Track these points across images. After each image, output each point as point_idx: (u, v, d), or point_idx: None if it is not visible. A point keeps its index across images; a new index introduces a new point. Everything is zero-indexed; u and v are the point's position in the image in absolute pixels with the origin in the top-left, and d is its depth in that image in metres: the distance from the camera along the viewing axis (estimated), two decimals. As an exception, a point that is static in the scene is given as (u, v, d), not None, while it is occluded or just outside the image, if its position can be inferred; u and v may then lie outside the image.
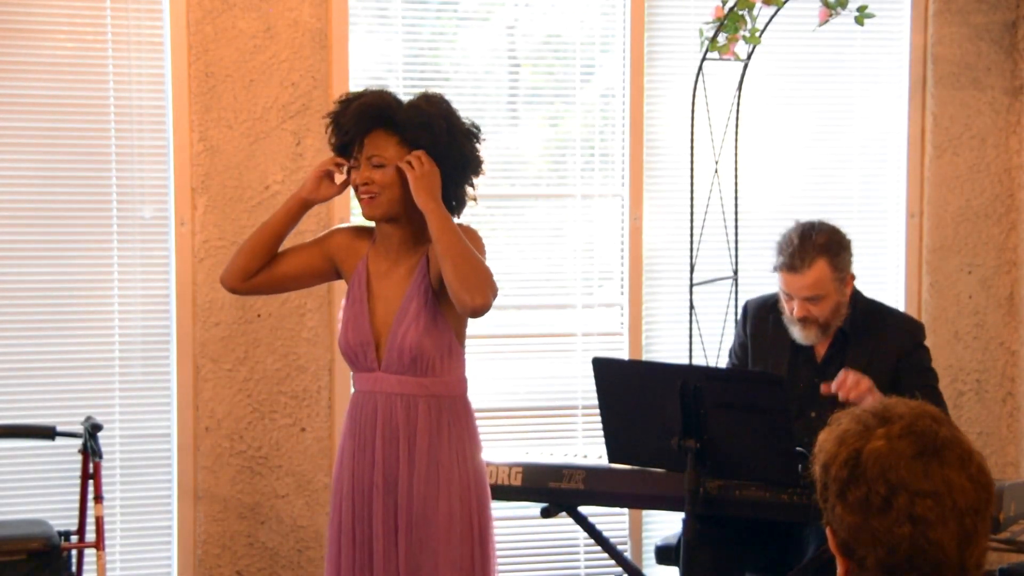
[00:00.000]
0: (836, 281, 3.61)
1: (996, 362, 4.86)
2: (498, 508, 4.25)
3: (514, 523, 4.53)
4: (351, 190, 3.16)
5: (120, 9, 4.19)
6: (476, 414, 3.21)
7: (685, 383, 3.24)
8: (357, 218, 3.87)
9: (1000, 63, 4.80)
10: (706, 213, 4.45)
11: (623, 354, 4.61)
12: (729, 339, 4.16)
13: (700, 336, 4.38)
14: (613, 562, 4.01)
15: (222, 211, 4.26)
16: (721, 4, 4.22)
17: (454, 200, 3.11)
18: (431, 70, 4.54)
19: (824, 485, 1.68)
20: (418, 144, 3.04)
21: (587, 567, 4.62)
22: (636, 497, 3.69)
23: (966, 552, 1.61)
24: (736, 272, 4.48)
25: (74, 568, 3.87)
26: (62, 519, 4.00)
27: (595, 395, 3.47)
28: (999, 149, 4.82)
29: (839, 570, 1.68)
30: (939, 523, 1.59)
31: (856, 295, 3.73)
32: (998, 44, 4.80)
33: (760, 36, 4.26)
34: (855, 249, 3.71)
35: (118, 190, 4.24)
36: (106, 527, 3.88)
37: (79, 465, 3.91)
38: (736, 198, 4.48)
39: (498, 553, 3.21)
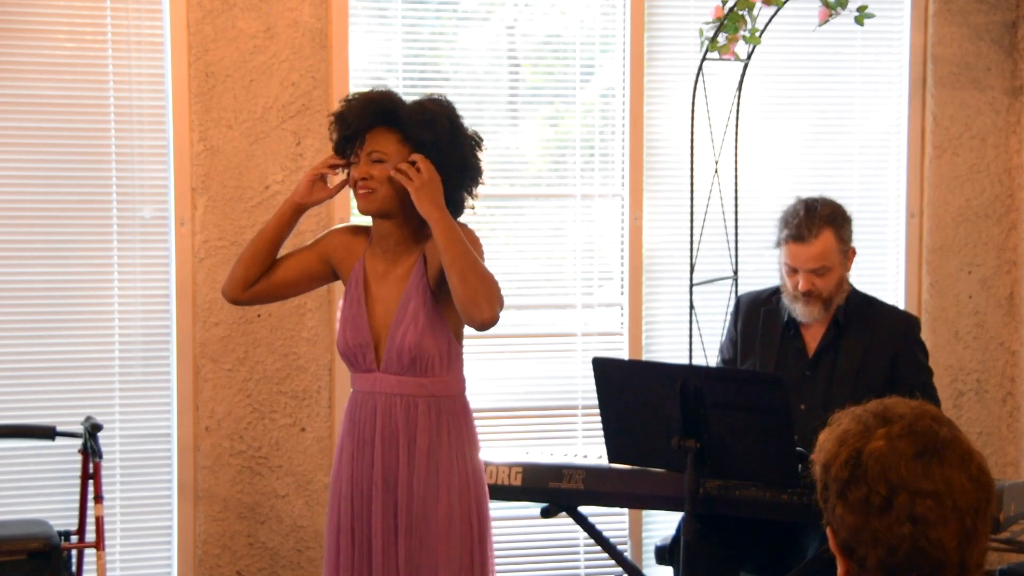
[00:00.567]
0: (840, 253, 3.66)
1: (996, 362, 4.86)
2: (498, 508, 4.25)
3: (514, 523, 4.53)
4: (350, 189, 3.16)
5: (120, 9, 4.19)
6: (476, 414, 3.21)
7: (685, 383, 3.24)
8: (357, 218, 3.87)
9: (1000, 63, 4.80)
10: (706, 213, 4.45)
11: (623, 354, 4.61)
12: (729, 339, 4.17)
13: (700, 336, 4.38)
14: (613, 562, 4.01)
15: (222, 211, 4.26)
16: (721, 4, 4.22)
17: (451, 203, 3.10)
18: (431, 70, 4.54)
19: (825, 485, 1.68)
20: (420, 141, 3.03)
21: (587, 567, 4.62)
22: (636, 497, 3.69)
23: (966, 552, 1.61)
24: (736, 272, 4.48)
25: (74, 568, 3.87)
26: (62, 519, 4.00)
27: (595, 395, 3.47)
28: (999, 149, 4.82)
29: (839, 570, 1.68)
30: (939, 523, 1.59)
31: (851, 288, 3.75)
32: (998, 44, 4.80)
33: (760, 36, 4.26)
34: (855, 249, 3.72)
35: (118, 190, 4.24)
36: (106, 527, 3.88)
37: (79, 465, 3.91)
38: (736, 198, 4.48)
39: (498, 553, 3.22)
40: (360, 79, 4.37)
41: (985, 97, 4.79)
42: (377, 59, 4.48)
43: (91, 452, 3.81)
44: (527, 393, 4.60)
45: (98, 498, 3.77)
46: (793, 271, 3.66)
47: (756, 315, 3.82)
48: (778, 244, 3.70)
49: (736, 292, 4.44)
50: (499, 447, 4.33)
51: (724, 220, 4.49)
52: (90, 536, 3.87)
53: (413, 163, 3.02)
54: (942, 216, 4.79)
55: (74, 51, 4.19)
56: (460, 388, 3.14)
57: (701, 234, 4.44)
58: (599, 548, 3.89)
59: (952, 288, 4.81)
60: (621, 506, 4.25)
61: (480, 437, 3.21)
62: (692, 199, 4.43)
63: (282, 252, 3.24)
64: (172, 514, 4.31)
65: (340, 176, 3.18)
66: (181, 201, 4.24)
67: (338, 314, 3.21)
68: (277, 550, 4.35)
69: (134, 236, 4.25)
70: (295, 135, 4.29)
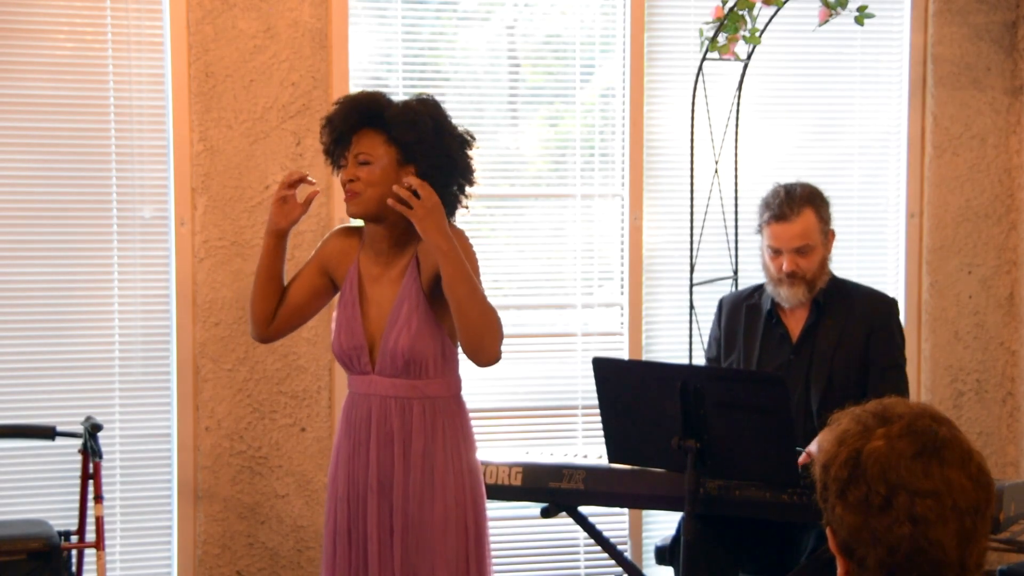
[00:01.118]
0: (821, 233, 3.72)
1: (996, 362, 4.86)
2: (498, 508, 4.26)
3: (514, 523, 4.53)
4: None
5: (120, 9, 4.19)
6: (477, 414, 3.21)
7: (685, 383, 3.24)
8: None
9: (1000, 63, 4.80)
10: (706, 213, 4.45)
11: (623, 354, 4.61)
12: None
13: (700, 336, 4.38)
14: (613, 562, 4.01)
15: (222, 211, 4.26)
16: (721, 4, 4.22)
17: (443, 203, 3.07)
18: (431, 70, 4.54)
19: (824, 485, 1.68)
20: (404, 141, 3.02)
21: (587, 567, 4.62)
22: (636, 497, 3.69)
23: (966, 552, 1.61)
24: (736, 272, 4.48)
25: (74, 568, 3.87)
26: (62, 519, 4.00)
27: (595, 395, 3.47)
28: (999, 149, 4.82)
29: (839, 570, 1.68)
30: (939, 523, 1.59)
31: (830, 273, 3.79)
32: (998, 44, 4.80)
33: (760, 36, 4.26)
34: (855, 249, 3.74)
35: (118, 190, 4.24)
36: (106, 527, 3.88)
37: (79, 465, 3.91)
38: (736, 198, 4.49)
39: (498, 553, 3.22)
40: (360, 79, 4.37)
41: (985, 97, 4.79)
42: (377, 59, 4.48)
43: (91, 452, 3.81)
44: (527, 393, 4.60)
45: (98, 498, 3.77)
46: (776, 253, 3.70)
47: (738, 311, 3.86)
48: (759, 228, 3.76)
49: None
50: (499, 447, 4.34)
51: (724, 220, 4.49)
52: (90, 536, 3.87)
53: (412, 186, 2.95)
54: (942, 216, 4.79)
55: (74, 51, 4.19)
56: (455, 389, 3.14)
57: (701, 234, 4.44)
58: (599, 548, 3.89)
59: (952, 288, 4.81)
60: (621, 506, 4.25)
61: (480, 437, 3.20)
62: (692, 199, 4.43)
63: (288, 283, 3.24)
64: (172, 514, 4.31)
65: (309, 188, 3.14)
66: (181, 201, 4.24)
67: (334, 316, 3.21)
68: (277, 550, 4.35)
69: (134, 236, 4.25)
70: (295, 135, 4.29)
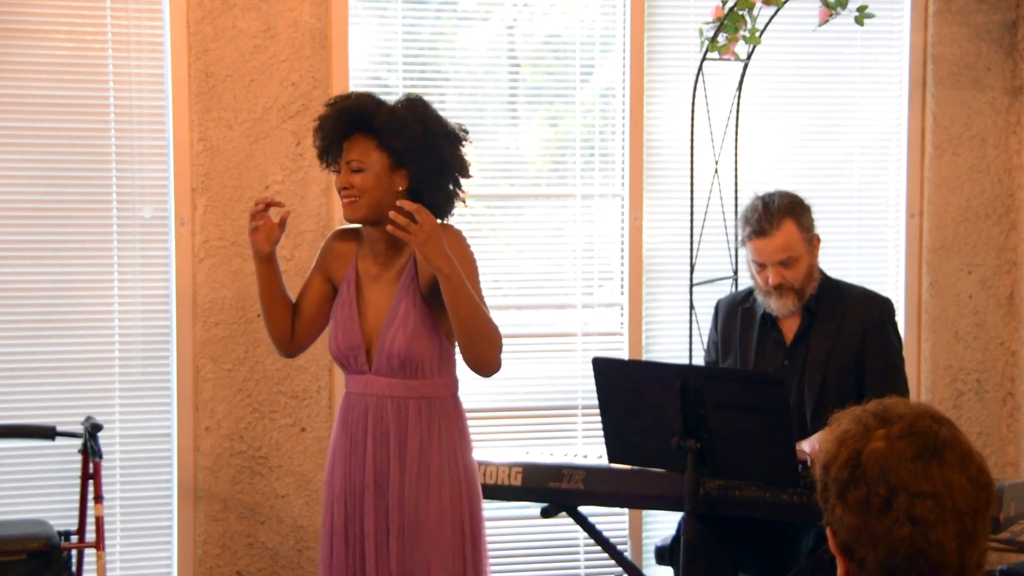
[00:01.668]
0: (805, 242, 3.68)
1: (996, 362, 4.86)
2: (498, 508, 4.26)
3: (514, 523, 4.52)
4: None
5: (120, 9, 4.19)
6: (477, 414, 3.22)
7: (685, 383, 3.24)
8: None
9: (1000, 63, 4.80)
10: (706, 213, 4.45)
11: (623, 354, 4.61)
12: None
13: (700, 336, 4.38)
14: (613, 562, 4.01)
15: (222, 211, 4.25)
16: (721, 4, 4.22)
17: (437, 204, 3.08)
18: (431, 70, 4.54)
19: (824, 486, 1.68)
20: (393, 147, 3.03)
21: (587, 567, 4.62)
22: (636, 497, 3.69)
23: (966, 553, 1.61)
24: (736, 272, 4.48)
25: (74, 568, 3.87)
26: (62, 519, 4.00)
27: (595, 395, 3.47)
28: (999, 149, 4.82)
29: (839, 570, 1.68)
30: (939, 524, 1.59)
31: (821, 275, 3.75)
32: (998, 44, 4.80)
33: (760, 36, 4.26)
34: (855, 249, 3.73)
35: (118, 190, 4.24)
36: (106, 527, 3.88)
37: (79, 465, 3.91)
38: (736, 198, 4.48)
39: (498, 553, 3.22)
40: (360, 79, 4.37)
41: (985, 97, 4.79)
42: (377, 59, 4.48)
43: (91, 452, 3.80)
44: (527, 393, 4.60)
45: (98, 498, 3.77)
46: (761, 267, 3.68)
47: (734, 315, 3.85)
48: (742, 243, 3.74)
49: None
50: (499, 447, 4.33)
51: (724, 220, 4.49)
52: (90, 536, 3.87)
53: (409, 209, 2.94)
54: (942, 216, 4.79)
55: (74, 51, 4.19)
56: (452, 389, 3.14)
57: (701, 234, 4.44)
58: (599, 548, 3.89)
59: (952, 288, 4.81)
60: (621, 506, 4.25)
61: (481, 437, 3.21)
62: (692, 199, 4.43)
63: (300, 293, 3.26)
64: (172, 514, 4.31)
65: (280, 209, 3.14)
66: (181, 201, 4.24)
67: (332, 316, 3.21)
68: (277, 550, 4.35)
69: (134, 236, 4.25)
70: (295, 135, 4.28)
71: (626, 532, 4.63)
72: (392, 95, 3.20)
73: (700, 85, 4.36)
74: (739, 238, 3.75)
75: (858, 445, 1.64)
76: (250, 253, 3.21)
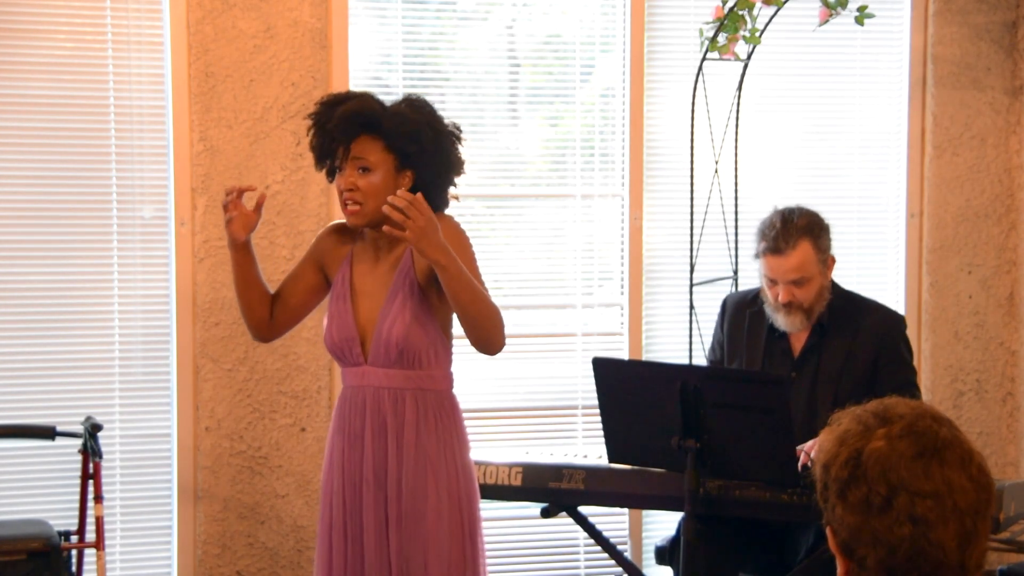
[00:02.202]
0: (819, 263, 3.61)
1: (996, 362, 4.86)
2: (498, 508, 4.26)
3: (514, 523, 4.52)
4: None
5: (120, 9, 4.19)
6: (477, 414, 3.22)
7: (685, 383, 3.24)
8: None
9: (1000, 63, 4.80)
10: (706, 213, 4.45)
11: (623, 354, 4.61)
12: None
13: (700, 336, 4.38)
14: (613, 562, 4.01)
15: (222, 211, 4.24)
16: (721, 4, 4.22)
17: (438, 202, 3.10)
18: (431, 70, 4.54)
19: (824, 485, 1.68)
20: (405, 152, 3.03)
21: (587, 567, 4.62)
22: (636, 497, 3.69)
23: (966, 552, 1.61)
24: (736, 272, 4.48)
25: (74, 568, 3.87)
26: (62, 519, 4.00)
27: (595, 395, 3.47)
28: (999, 149, 4.82)
29: (839, 570, 1.68)
30: (939, 523, 1.59)
31: (833, 287, 3.72)
32: (998, 44, 4.80)
33: (760, 36, 4.26)
34: (855, 249, 3.71)
35: (118, 190, 4.24)
36: (106, 527, 3.88)
37: (79, 465, 3.91)
38: (736, 198, 4.49)
39: (499, 553, 3.22)
40: (360, 79, 4.37)
41: (985, 97, 4.79)
42: (377, 59, 4.48)
43: (91, 452, 3.81)
44: (527, 393, 4.60)
45: (98, 498, 3.77)
46: (773, 283, 3.63)
47: (742, 317, 3.80)
48: (757, 256, 3.67)
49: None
50: (499, 447, 4.33)
51: (724, 220, 4.49)
52: (90, 536, 3.87)
53: (403, 202, 2.92)
54: (942, 216, 4.79)
55: (74, 51, 4.19)
56: (448, 384, 3.15)
57: (701, 234, 4.44)
58: (599, 548, 3.89)
59: (952, 288, 4.81)
60: (621, 506, 4.25)
61: (481, 437, 3.21)
62: (692, 199, 4.43)
63: (287, 278, 3.25)
64: (172, 514, 4.31)
65: (254, 193, 3.14)
66: (181, 201, 4.24)
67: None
68: (277, 550, 4.35)
69: (134, 236, 4.25)
70: (295, 135, 4.28)
71: (626, 532, 4.63)
72: (392, 95, 3.20)
73: (700, 85, 4.36)
74: (754, 251, 3.68)
75: (858, 445, 1.64)
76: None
